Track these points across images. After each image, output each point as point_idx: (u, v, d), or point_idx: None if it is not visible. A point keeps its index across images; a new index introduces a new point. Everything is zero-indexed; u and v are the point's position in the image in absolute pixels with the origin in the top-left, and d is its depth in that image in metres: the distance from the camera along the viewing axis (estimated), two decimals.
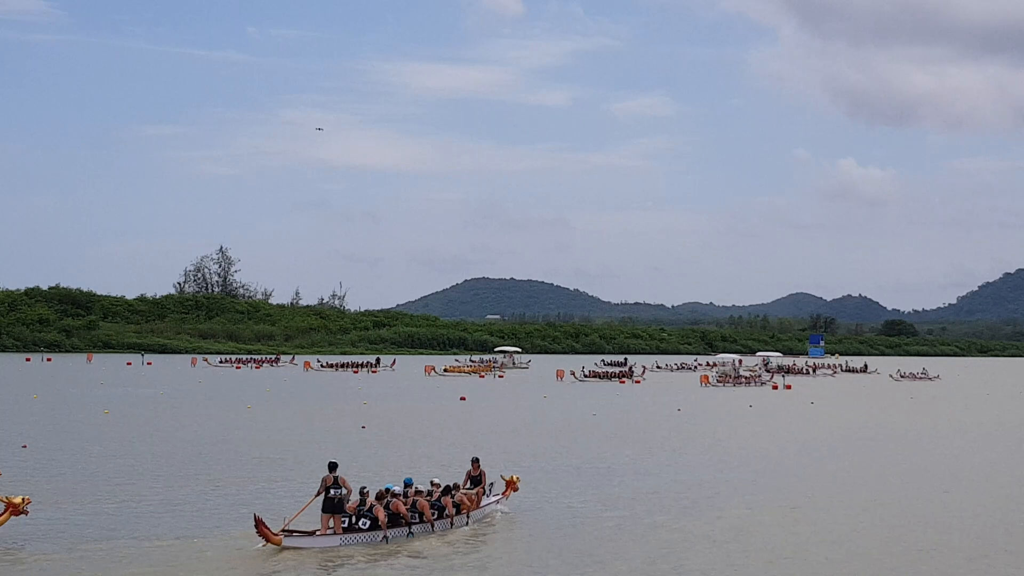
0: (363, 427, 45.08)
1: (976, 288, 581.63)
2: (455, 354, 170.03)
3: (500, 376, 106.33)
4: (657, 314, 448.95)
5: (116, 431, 41.71)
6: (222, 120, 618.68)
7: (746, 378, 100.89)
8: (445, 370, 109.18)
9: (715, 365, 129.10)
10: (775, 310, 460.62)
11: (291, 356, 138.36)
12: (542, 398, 70.81)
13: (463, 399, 66.11)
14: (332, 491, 20.36)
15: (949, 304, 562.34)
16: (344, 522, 20.52)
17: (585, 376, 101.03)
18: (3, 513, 20.42)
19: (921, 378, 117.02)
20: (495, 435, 43.23)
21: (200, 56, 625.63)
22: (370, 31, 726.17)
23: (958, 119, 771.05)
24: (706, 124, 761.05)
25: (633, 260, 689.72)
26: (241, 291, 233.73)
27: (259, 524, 19.36)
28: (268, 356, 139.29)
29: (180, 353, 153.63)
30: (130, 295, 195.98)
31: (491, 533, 22.29)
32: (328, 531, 20.31)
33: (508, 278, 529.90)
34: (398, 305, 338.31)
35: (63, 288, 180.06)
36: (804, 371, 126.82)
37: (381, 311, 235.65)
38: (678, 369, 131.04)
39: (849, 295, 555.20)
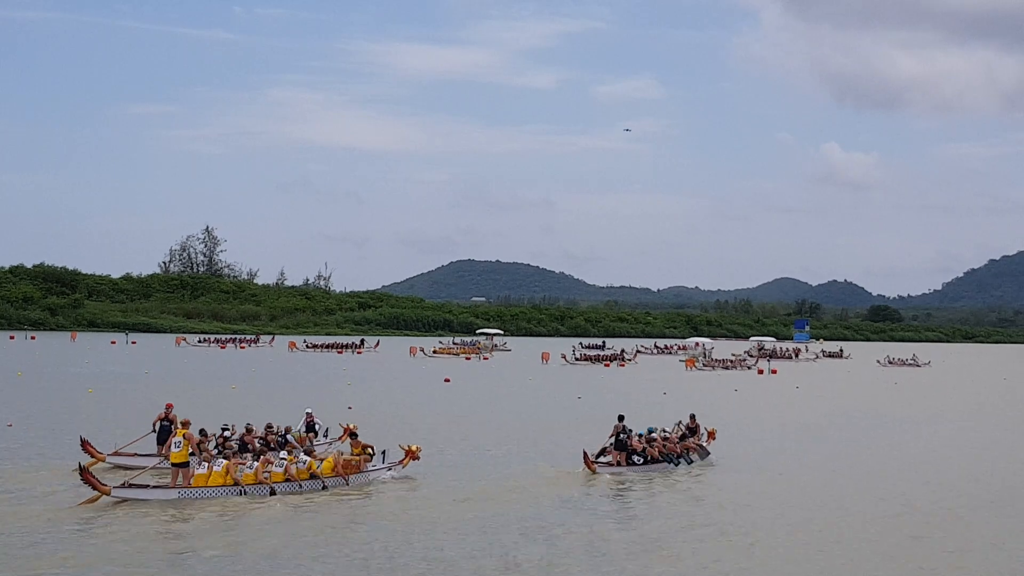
0: (349, 408, 45.11)
1: (961, 274, 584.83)
2: (440, 336, 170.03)
3: (485, 359, 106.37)
4: (642, 298, 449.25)
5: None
6: (208, 99, 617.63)
7: (731, 362, 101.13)
8: (434, 352, 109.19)
9: (685, 348, 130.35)
10: (761, 295, 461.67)
11: (271, 336, 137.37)
12: (528, 380, 70.89)
13: (447, 381, 66.19)
14: (621, 436, 28.59)
15: (934, 290, 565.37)
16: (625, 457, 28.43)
17: (576, 359, 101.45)
18: (404, 458, 26.94)
19: (910, 364, 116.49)
20: (479, 415, 43.44)
21: (187, 35, 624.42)
22: (357, 11, 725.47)
23: (945, 104, 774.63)
24: (693, 107, 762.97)
25: (619, 243, 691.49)
26: (226, 271, 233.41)
27: (585, 456, 27.61)
28: (248, 336, 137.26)
29: (165, 332, 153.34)
30: (115, 274, 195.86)
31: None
32: (616, 463, 28.18)
33: (494, 260, 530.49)
34: (384, 286, 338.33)
35: (48, 266, 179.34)
36: (788, 355, 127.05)
37: (367, 292, 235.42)
38: (660, 352, 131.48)
39: (834, 280, 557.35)
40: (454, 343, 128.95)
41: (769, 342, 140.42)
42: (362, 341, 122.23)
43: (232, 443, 25.95)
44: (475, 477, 27.08)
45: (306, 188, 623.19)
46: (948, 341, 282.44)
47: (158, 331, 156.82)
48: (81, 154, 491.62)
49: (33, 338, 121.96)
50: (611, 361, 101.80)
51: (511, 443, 34.56)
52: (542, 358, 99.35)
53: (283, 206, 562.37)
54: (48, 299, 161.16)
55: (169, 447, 24.19)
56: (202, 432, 25.17)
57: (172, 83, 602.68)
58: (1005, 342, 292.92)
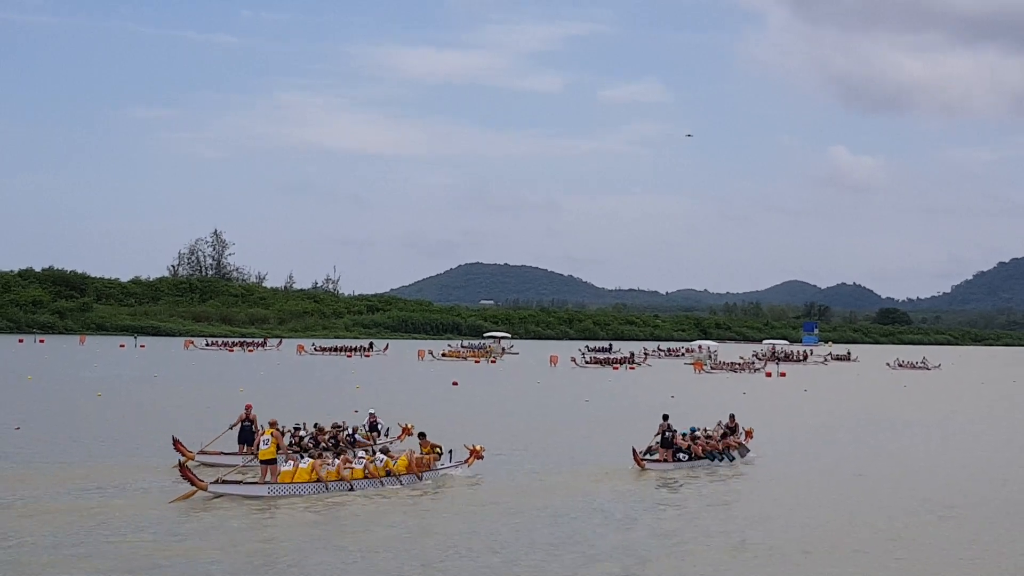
0: (355, 411, 45.03)
1: (970, 277, 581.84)
2: (448, 339, 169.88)
3: (493, 362, 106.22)
4: (651, 300, 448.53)
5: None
6: (213, 103, 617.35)
7: (739, 365, 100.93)
8: (442, 355, 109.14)
9: (690, 350, 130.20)
10: (769, 297, 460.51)
11: (279, 340, 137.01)
12: (536, 383, 70.79)
13: (455, 384, 66.14)
14: (666, 434, 30.13)
15: (943, 293, 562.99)
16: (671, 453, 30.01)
17: (587, 362, 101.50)
18: (469, 457, 27.89)
19: (920, 367, 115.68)
20: (485, 418, 43.38)
21: (191, 38, 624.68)
22: (359, 14, 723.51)
23: (951, 106, 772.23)
24: (698, 110, 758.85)
25: (627, 246, 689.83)
26: (235, 274, 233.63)
27: (634, 453, 29.10)
28: (256, 339, 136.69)
29: (173, 336, 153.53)
30: (124, 277, 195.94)
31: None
32: (663, 460, 29.72)
33: (502, 263, 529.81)
34: (392, 289, 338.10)
35: (57, 270, 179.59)
36: (797, 358, 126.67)
37: (375, 295, 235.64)
38: (666, 355, 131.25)
39: (843, 283, 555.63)
40: (462, 346, 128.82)
41: (782, 345, 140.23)
42: (371, 344, 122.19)
43: (307, 441, 27.75)
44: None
45: (309, 191, 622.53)
46: (957, 344, 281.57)
47: (167, 334, 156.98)
48: (84, 157, 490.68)
49: (42, 341, 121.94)
50: (620, 364, 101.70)
51: (529, 445, 34.74)
52: (550, 361, 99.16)
53: (286, 209, 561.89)
54: (57, 302, 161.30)
55: (257, 445, 25.42)
56: None
57: (174, 86, 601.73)
58: (1015, 345, 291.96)
